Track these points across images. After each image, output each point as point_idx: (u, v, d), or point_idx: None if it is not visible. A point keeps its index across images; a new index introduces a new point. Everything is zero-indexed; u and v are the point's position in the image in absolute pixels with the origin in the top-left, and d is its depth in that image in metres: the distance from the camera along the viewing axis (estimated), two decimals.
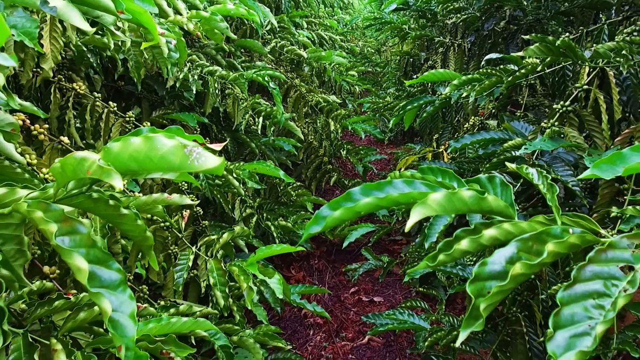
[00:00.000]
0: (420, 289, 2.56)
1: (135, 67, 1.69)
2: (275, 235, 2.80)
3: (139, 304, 1.22)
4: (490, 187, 0.75)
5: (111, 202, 0.74)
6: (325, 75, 4.17)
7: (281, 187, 3.38)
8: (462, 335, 0.60)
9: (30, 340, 1.10)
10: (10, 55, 0.66)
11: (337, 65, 4.15)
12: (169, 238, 1.74)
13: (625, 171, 0.79)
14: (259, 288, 2.22)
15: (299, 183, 3.52)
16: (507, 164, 0.78)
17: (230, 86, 2.84)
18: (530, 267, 0.60)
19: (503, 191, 0.74)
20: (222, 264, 1.63)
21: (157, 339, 1.16)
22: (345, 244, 3.10)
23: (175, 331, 1.20)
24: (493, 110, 2.79)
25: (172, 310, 1.42)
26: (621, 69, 1.49)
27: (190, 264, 1.65)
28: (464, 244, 0.64)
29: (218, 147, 0.63)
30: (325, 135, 4.06)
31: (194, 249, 1.70)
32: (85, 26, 0.73)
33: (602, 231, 0.65)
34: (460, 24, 3.34)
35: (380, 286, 3.75)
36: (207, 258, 1.67)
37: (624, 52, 1.47)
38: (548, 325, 0.59)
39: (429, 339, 2.04)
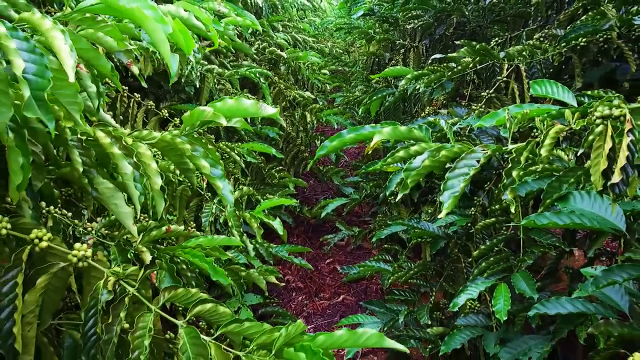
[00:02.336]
0: (385, 245, 3.18)
1: (167, 65, 2.26)
2: None
3: (190, 228, 1.80)
4: (419, 129, 1.37)
5: (203, 140, 1.33)
6: (300, 73, 4.77)
7: (265, 171, 3.96)
8: (400, 195, 1.22)
9: (123, 247, 1.68)
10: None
11: (310, 65, 4.75)
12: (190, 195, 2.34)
13: (497, 121, 1.43)
14: (255, 246, 2.81)
15: (280, 167, 4.11)
16: (429, 118, 1.41)
17: (222, 82, 3.42)
18: (433, 161, 1.22)
19: (425, 131, 1.36)
20: (236, 212, 2.22)
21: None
22: (323, 214, 3.70)
23: (218, 244, 1.78)
24: (444, 102, 3.44)
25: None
26: (521, 65, 2.14)
27: (213, 211, 2.24)
28: (401, 153, 1.26)
29: (272, 109, 1.23)
30: (302, 127, 4.66)
31: (215, 200, 2.29)
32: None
33: (475, 148, 1.27)
34: (418, 29, 3.98)
35: (352, 258, 4.38)
36: (222, 209, 2.26)
37: (524, 53, 2.12)
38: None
39: (392, 277, 2.66)
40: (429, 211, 2.99)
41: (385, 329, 2.44)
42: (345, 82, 5.94)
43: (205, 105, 3.26)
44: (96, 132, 1.19)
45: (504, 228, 2.29)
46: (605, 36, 2.21)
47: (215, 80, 3.14)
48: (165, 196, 1.20)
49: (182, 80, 3.03)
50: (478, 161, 1.20)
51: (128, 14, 0.95)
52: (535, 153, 1.21)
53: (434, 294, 2.55)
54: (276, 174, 3.91)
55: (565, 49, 2.19)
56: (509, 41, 2.78)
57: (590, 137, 1.21)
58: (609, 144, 1.12)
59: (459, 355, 2.56)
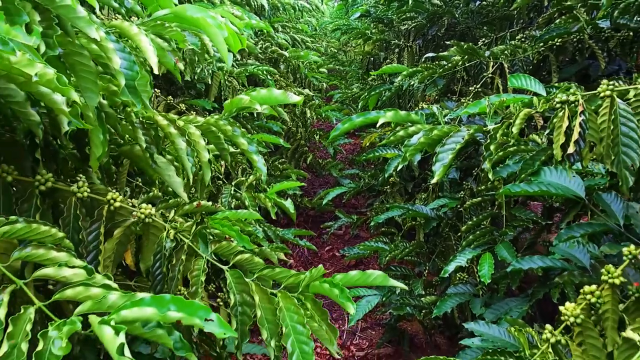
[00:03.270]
0: (382, 229, 3.49)
1: (190, 64, 2.57)
2: None
3: (216, 204, 2.10)
4: (415, 114, 1.68)
5: (237, 124, 1.64)
6: (299, 72, 5.07)
7: (269, 163, 4.26)
8: (400, 166, 1.52)
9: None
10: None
11: (309, 63, 5.06)
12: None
13: (480, 109, 1.74)
14: (264, 229, 3.11)
15: (282, 160, 4.41)
16: (422, 104, 1.71)
17: (229, 79, 3.71)
18: (426, 139, 1.52)
19: (421, 116, 1.67)
20: (252, 193, 2.53)
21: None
22: (324, 202, 4.00)
23: (241, 217, 2.08)
24: (436, 97, 3.75)
25: None
26: (505, 62, 2.46)
27: (231, 193, 2.54)
28: (400, 132, 1.57)
29: (297, 97, 1.52)
30: (301, 123, 4.96)
31: (232, 184, 2.59)
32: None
33: (460, 128, 1.58)
34: (412, 29, 4.30)
35: (350, 245, 4.67)
36: (241, 192, 2.56)
37: (506, 52, 2.44)
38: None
39: (389, 255, 2.96)
40: (423, 197, 3.30)
41: (384, 299, 2.74)
42: (341, 79, 6.26)
43: (214, 100, 3.56)
44: (155, 116, 1.48)
45: (489, 207, 2.60)
46: (578, 37, 2.53)
47: (225, 77, 3.43)
48: (213, 166, 1.50)
49: (195, 78, 3.33)
50: (463, 138, 1.51)
51: (194, 22, 1.25)
52: (507, 133, 1.52)
53: (427, 268, 2.86)
54: (279, 165, 4.21)
55: (542, 49, 2.51)
56: (495, 41, 3.10)
57: (555, 120, 1.52)
58: (565, 123, 1.44)
59: (448, 320, 2.88)
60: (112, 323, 0.85)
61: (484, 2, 3.66)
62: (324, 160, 5.10)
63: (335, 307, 3.71)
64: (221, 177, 2.64)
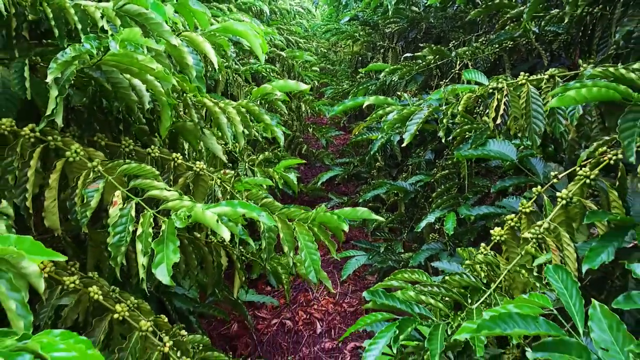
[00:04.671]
0: (369, 204, 4.14)
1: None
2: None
3: (238, 172, 2.72)
4: (391, 99, 2.32)
5: (259, 105, 2.26)
6: (294, 70, 5.70)
7: (269, 151, 4.88)
8: (382, 136, 2.16)
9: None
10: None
11: (302, 63, 5.69)
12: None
13: (439, 95, 2.38)
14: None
15: (280, 149, 5.03)
16: (398, 93, 2.35)
17: (234, 76, 4.33)
18: (399, 116, 2.16)
19: (396, 100, 2.30)
20: (262, 168, 3.15)
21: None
22: (319, 183, 4.64)
23: (258, 182, 2.70)
24: (415, 91, 4.40)
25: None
26: (468, 61, 3.10)
27: (245, 167, 3.17)
28: (380, 111, 2.20)
29: (305, 85, 2.15)
30: (296, 117, 5.59)
31: (246, 161, 3.22)
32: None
33: (423, 107, 2.23)
34: (395, 32, 4.95)
35: None
36: (254, 168, 3.19)
37: (467, 52, 3.08)
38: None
39: (375, 223, 3.60)
40: (404, 176, 3.95)
41: (370, 257, 3.38)
42: (332, 77, 6.90)
43: (221, 95, 4.20)
44: (204, 99, 2.11)
45: (456, 178, 3.25)
46: (526, 40, 3.18)
47: (234, 74, 4.05)
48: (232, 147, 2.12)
49: (207, 75, 3.94)
50: (424, 114, 2.14)
51: (238, 33, 1.87)
52: (455, 113, 2.16)
53: (406, 232, 3.51)
54: (278, 153, 4.83)
55: (497, 49, 3.15)
56: (463, 43, 3.75)
57: (489, 102, 2.17)
58: (495, 103, 2.08)
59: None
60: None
61: (457, 9, 4.32)
62: (317, 150, 5.73)
63: (328, 274, 4.34)
64: (237, 154, 3.26)
